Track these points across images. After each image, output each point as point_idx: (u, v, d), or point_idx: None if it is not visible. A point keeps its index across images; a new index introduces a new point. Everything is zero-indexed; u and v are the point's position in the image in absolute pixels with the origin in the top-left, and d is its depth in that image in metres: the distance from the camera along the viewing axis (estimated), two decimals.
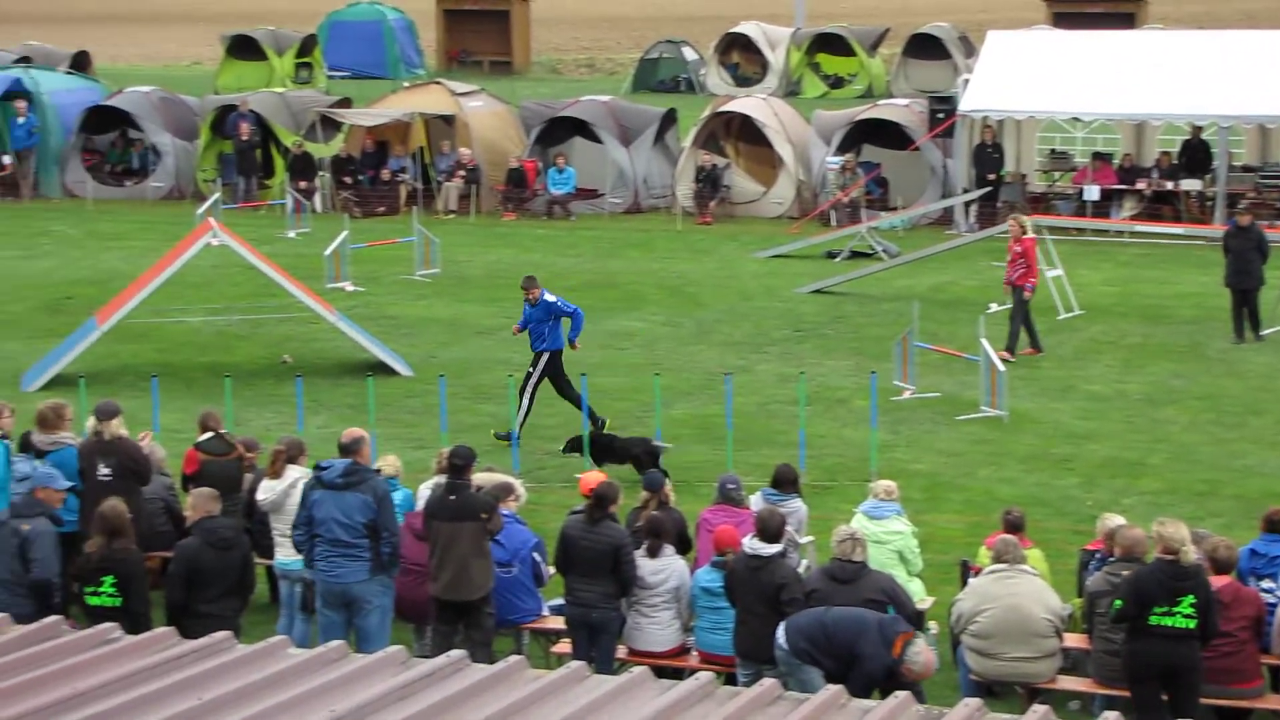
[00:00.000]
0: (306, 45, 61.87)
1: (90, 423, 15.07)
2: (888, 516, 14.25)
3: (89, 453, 14.82)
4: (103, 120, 39.31)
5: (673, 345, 25.43)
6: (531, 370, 20.63)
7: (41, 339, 24.89)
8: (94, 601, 12.62)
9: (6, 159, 37.61)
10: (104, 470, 14.64)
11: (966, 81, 34.47)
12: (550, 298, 20.80)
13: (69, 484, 14.14)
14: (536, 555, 14.10)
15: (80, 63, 54.38)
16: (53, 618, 8.63)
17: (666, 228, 35.03)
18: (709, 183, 35.64)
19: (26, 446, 14.87)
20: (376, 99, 40.24)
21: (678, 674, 12.69)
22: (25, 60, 49.59)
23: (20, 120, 37.72)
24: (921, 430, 20.85)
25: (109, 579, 12.59)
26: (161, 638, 7.95)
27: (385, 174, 37.17)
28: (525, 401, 20.35)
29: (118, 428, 14.91)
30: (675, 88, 59.91)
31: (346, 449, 13.66)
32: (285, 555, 14.17)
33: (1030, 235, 24.30)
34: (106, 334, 22.92)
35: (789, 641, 12.01)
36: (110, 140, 39.89)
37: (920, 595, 14.08)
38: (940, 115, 34.23)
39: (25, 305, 27.69)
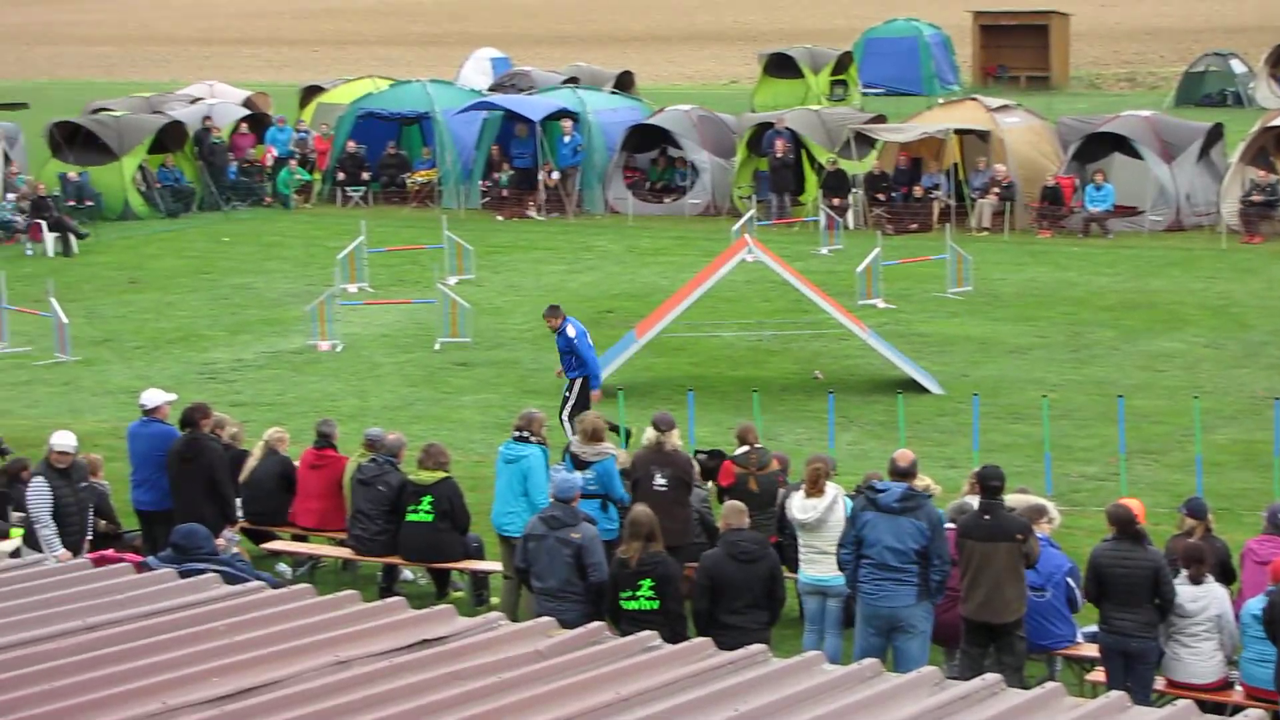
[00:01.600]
0: (842, 62, 62.29)
1: (649, 433, 15.47)
2: None
3: (645, 462, 15.23)
4: (644, 138, 40.42)
5: (1215, 368, 24.50)
6: (567, 395, 20.27)
7: None
8: (631, 606, 12.95)
9: (554, 175, 39.09)
10: (660, 480, 15.04)
11: None
12: (571, 333, 20.40)
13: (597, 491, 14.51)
14: (1070, 580, 13.76)
15: (624, 82, 56.08)
16: (596, 624, 8.88)
17: (1210, 246, 33.80)
18: (1264, 199, 34.23)
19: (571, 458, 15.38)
20: (911, 115, 40.18)
21: (1220, 709, 12.20)
22: (573, 81, 51.45)
23: (566, 139, 39.13)
24: None
25: (647, 582, 12.92)
26: (699, 648, 8.08)
27: (918, 191, 37.05)
28: (566, 429, 19.36)
29: (676, 439, 15.31)
30: (1222, 101, 57.88)
31: (905, 473, 13.57)
32: (814, 572, 14.18)
33: None
34: (644, 347, 23.53)
35: None
36: (651, 158, 40.98)
37: None
38: None
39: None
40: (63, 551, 15.10)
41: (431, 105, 40.56)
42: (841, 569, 13.52)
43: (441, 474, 15.95)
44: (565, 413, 20.11)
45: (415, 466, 16.11)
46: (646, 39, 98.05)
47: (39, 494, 15.47)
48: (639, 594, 12.99)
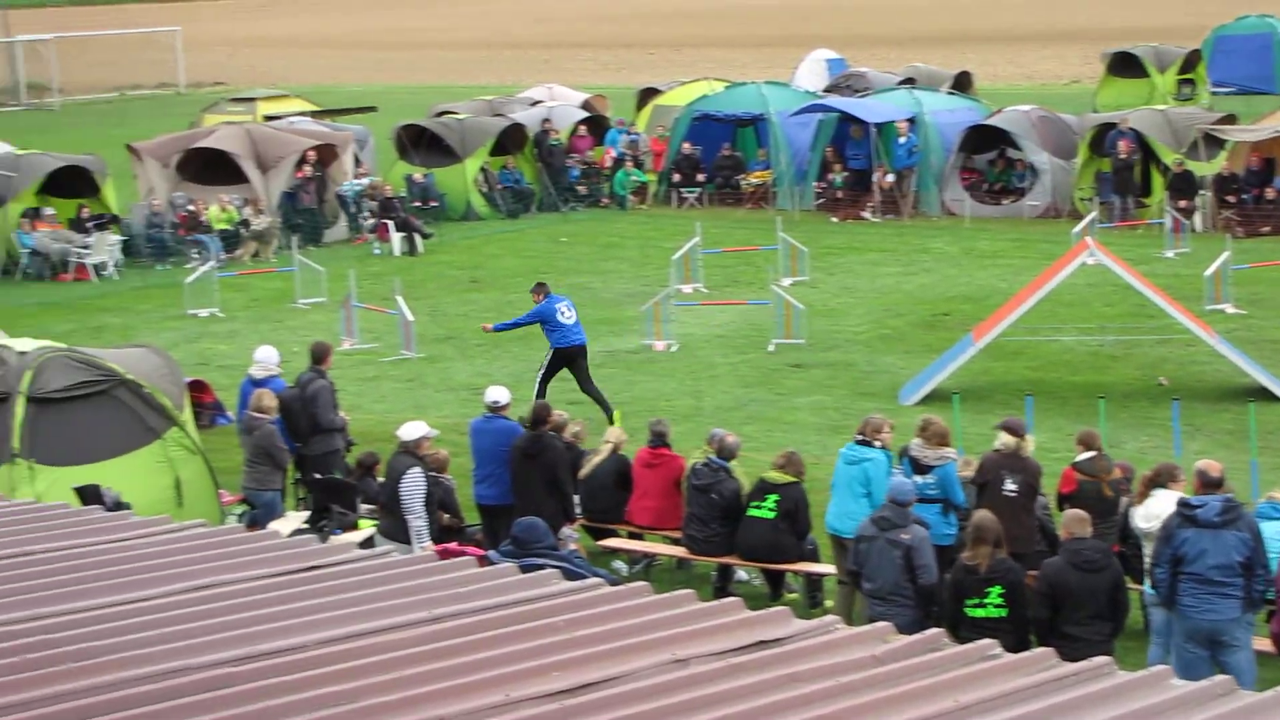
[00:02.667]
0: (1190, 61, 60.61)
1: (1004, 438, 15.28)
2: None
3: (995, 466, 15.06)
4: (982, 139, 39.89)
5: None
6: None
7: (919, 354, 25.49)
8: (978, 613, 12.79)
9: (889, 177, 38.83)
10: (1010, 485, 14.85)
11: None
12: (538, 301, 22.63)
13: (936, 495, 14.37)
14: None
15: (962, 83, 55.43)
16: (934, 630, 8.76)
17: None
18: None
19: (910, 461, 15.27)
20: (1263, 115, 38.90)
21: None
22: (909, 81, 51.04)
23: (902, 140, 38.84)
24: None
25: (996, 589, 12.76)
26: (1041, 658, 7.91)
27: (1270, 192, 35.83)
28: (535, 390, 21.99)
29: (1029, 444, 15.12)
30: None
31: (1217, 484, 13.16)
32: None
33: None
34: (981, 351, 23.21)
35: None
36: (989, 159, 40.43)
37: None
38: None
39: (905, 320, 28.45)
40: (429, 543, 15.53)
41: (766, 107, 40.63)
42: (1156, 588, 13.13)
43: (793, 478, 15.99)
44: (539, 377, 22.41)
45: (771, 468, 16.19)
46: (986, 39, 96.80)
47: (417, 485, 15.93)
48: (986, 601, 12.82)
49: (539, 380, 22.42)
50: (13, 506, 10.95)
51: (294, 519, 17.20)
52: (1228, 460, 19.22)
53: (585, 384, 22.57)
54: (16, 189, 34.03)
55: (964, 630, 12.49)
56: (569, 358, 22.45)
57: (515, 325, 23.64)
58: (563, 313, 22.49)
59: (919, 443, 15.34)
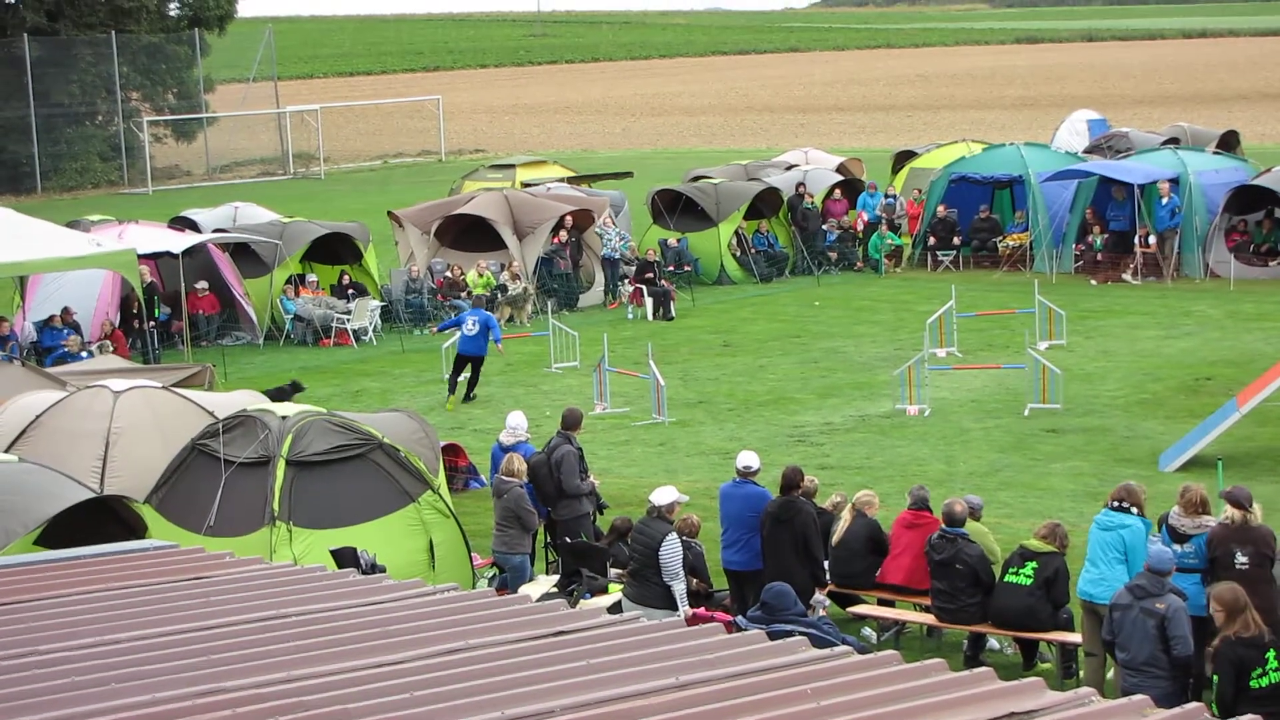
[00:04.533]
0: None
1: (1228, 510, 14.91)
2: None
3: (1224, 540, 14.67)
4: (1249, 199, 38.95)
5: None
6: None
7: (1180, 420, 24.91)
8: (1261, 682, 12.41)
9: (1151, 239, 38.09)
10: (1241, 558, 14.47)
11: None
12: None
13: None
14: None
15: (1228, 142, 54.28)
16: (1194, 704, 8.53)
17: None
18: None
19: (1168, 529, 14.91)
20: None
21: None
22: (1173, 141, 50.11)
23: (1164, 201, 38.10)
24: None
25: (1272, 653, 12.38)
26: None
27: None
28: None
29: (1258, 514, 14.70)
30: None
31: None
32: None
33: None
34: (1246, 417, 22.59)
35: None
36: (1256, 220, 39.46)
37: None
38: None
39: (1165, 385, 27.84)
40: (688, 609, 15.57)
41: (1025, 168, 40.19)
42: None
43: (1054, 549, 15.72)
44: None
45: (1032, 536, 15.94)
46: (1253, 96, 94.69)
47: (674, 550, 16.04)
48: (1268, 668, 12.44)
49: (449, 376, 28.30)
50: (272, 569, 11.21)
51: (544, 583, 17.36)
52: None
53: (470, 383, 28.30)
54: (282, 256, 35.03)
55: (1247, 706, 12.11)
56: (464, 361, 28.18)
57: (444, 327, 29.86)
58: (468, 325, 28.10)
59: (1178, 510, 14.97)
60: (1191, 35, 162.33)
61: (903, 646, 16.01)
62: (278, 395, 23.15)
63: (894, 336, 32.61)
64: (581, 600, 16.56)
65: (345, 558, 15.09)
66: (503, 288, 36.02)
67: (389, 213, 39.21)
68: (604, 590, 17.11)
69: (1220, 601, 12.79)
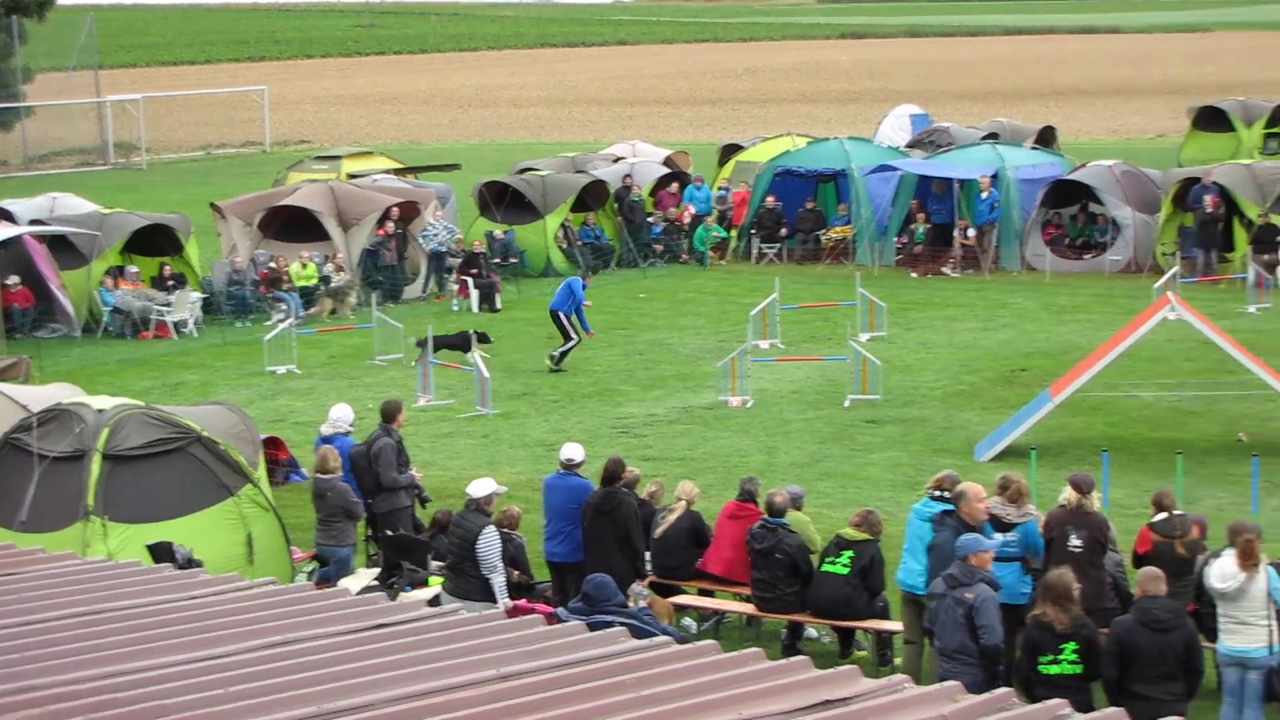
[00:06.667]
0: (1277, 115, 60.13)
1: (1067, 493, 15.21)
2: None
3: (1060, 523, 14.98)
4: (1065, 194, 39.72)
5: None
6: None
7: (996, 410, 25.37)
8: (1051, 670, 12.71)
9: (970, 232, 38.71)
10: (1075, 541, 14.78)
11: None
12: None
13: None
14: None
15: (1045, 137, 55.25)
16: (1003, 690, 8.71)
17: None
18: None
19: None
20: None
21: None
22: (993, 136, 50.92)
23: (983, 195, 38.73)
24: None
25: (1070, 645, 12.67)
26: (1112, 718, 7.85)
27: None
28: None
29: (1095, 500, 15.06)
30: None
31: None
32: (1235, 643, 13.67)
33: None
34: (1059, 407, 23.07)
35: None
36: (1071, 214, 40.25)
37: None
38: None
39: (982, 376, 28.33)
40: (508, 601, 15.57)
41: (849, 162, 40.66)
42: None
43: (869, 536, 15.92)
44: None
45: (846, 524, 16.14)
46: (1070, 92, 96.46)
47: (492, 542, 16.00)
48: (1061, 658, 12.73)
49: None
50: (85, 564, 11.06)
51: (364, 576, 17.29)
52: None
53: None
54: (101, 247, 34.46)
55: (1039, 688, 12.43)
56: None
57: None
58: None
59: (999, 500, 15.22)
60: (1012, 32, 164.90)
61: (722, 636, 16.16)
62: (461, 343, 27.99)
63: (718, 328, 32.85)
64: (402, 593, 16.51)
65: (161, 552, 14.92)
66: (326, 279, 35.75)
67: (211, 204, 38.71)
68: (424, 583, 17.07)
69: (1044, 582, 13.11)
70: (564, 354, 29.65)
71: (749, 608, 16.77)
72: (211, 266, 36.72)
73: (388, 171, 45.98)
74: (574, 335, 29.63)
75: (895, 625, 15.95)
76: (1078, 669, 12.74)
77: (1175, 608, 13.10)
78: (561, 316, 29.57)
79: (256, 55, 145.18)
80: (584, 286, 30.30)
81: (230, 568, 13.48)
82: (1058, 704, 8.48)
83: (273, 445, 22.35)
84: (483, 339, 28.86)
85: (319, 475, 17.85)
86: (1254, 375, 23.14)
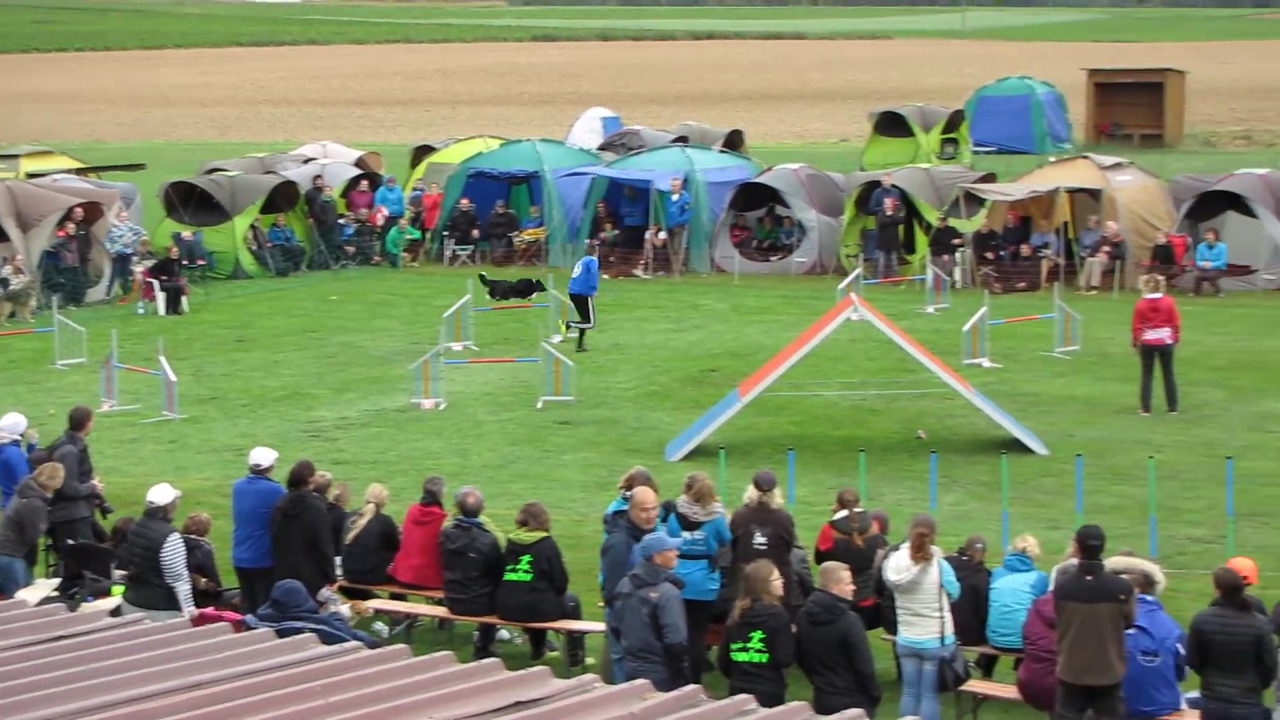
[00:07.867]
0: (953, 121, 62.14)
1: (751, 492, 15.45)
2: None
3: (745, 521, 15.22)
4: (752, 197, 40.47)
5: None
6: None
7: (686, 410, 25.73)
8: (741, 657, 12.99)
9: (661, 235, 39.21)
10: (760, 539, 15.03)
11: None
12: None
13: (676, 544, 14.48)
14: (1180, 646, 13.55)
15: (733, 141, 56.22)
16: (691, 686, 8.87)
17: None
18: None
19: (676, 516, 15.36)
20: (1022, 174, 40.05)
21: None
22: (682, 139, 51.63)
23: (675, 198, 39.26)
24: None
25: (757, 634, 12.94)
26: (795, 711, 8.05)
27: (1026, 249, 36.88)
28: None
29: (777, 497, 15.33)
30: None
31: None
32: (911, 634, 14.11)
33: None
34: (747, 406, 23.49)
35: None
36: (758, 216, 41.03)
37: None
38: None
39: (672, 377, 28.71)
40: (194, 609, 15.28)
41: (540, 164, 40.85)
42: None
43: (541, 534, 15.94)
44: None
45: (515, 526, 16.12)
46: (757, 98, 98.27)
47: (176, 550, 15.66)
48: (749, 645, 13.00)
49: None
50: None
51: (43, 586, 16.82)
52: (981, 511, 19.81)
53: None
54: None
55: (734, 677, 12.88)
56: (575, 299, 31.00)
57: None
58: (576, 270, 31.41)
59: (686, 499, 15.38)
60: (700, 36, 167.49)
61: (414, 640, 16.11)
62: (524, 289, 31.93)
63: (411, 330, 32.72)
64: (83, 604, 16.11)
65: None
66: (4, 281, 34.70)
67: None
68: (107, 593, 16.68)
69: (744, 572, 13.40)
70: (582, 333, 30.87)
71: (441, 611, 16.74)
72: None
73: (69, 171, 44.83)
74: (593, 318, 30.87)
75: (586, 625, 16.06)
76: (764, 657, 12.99)
77: (828, 603, 13.20)
78: (589, 300, 30.81)
79: None
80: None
81: None
82: (743, 699, 8.66)
83: None
84: (539, 287, 32.43)
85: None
86: (932, 374, 23.88)
